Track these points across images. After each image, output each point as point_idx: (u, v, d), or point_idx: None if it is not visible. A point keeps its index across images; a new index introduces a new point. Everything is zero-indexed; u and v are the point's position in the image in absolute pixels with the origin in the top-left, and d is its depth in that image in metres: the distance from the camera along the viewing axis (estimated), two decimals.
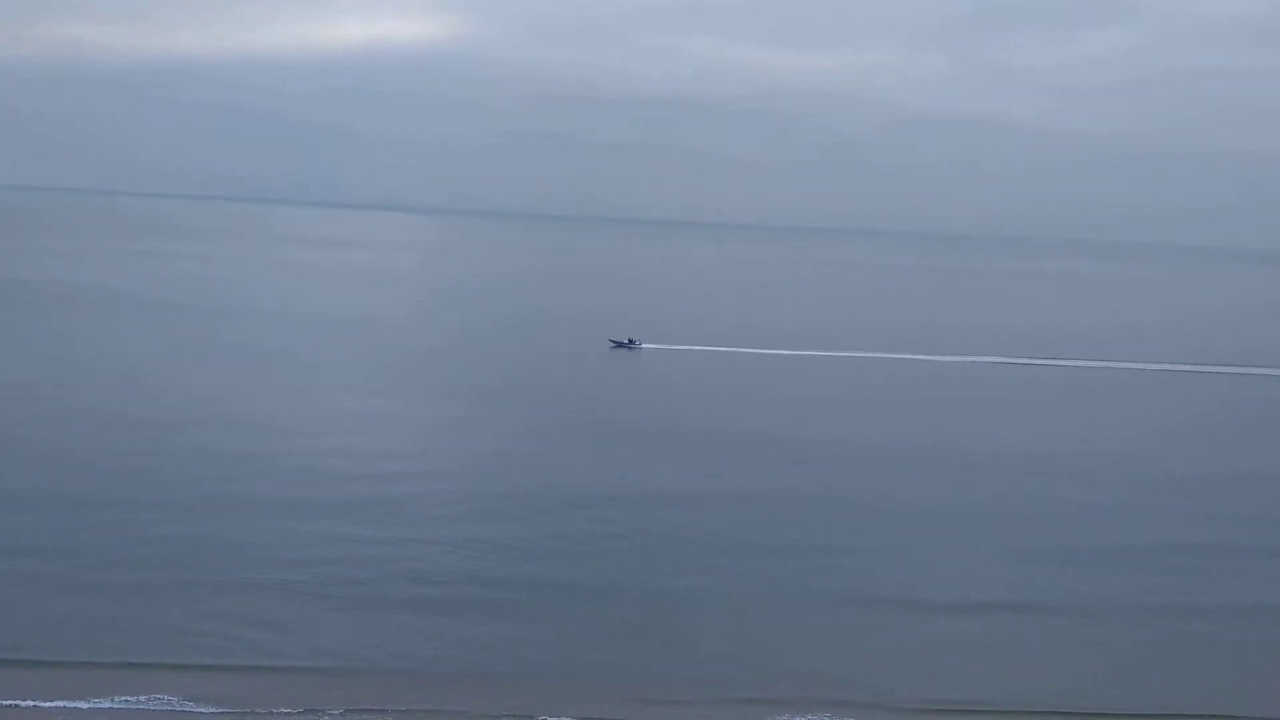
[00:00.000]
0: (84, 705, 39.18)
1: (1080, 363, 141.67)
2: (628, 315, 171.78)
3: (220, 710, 39.45)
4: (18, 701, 38.95)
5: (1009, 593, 55.06)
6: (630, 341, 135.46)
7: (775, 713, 41.33)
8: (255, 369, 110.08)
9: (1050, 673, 46.21)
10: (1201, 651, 49.28)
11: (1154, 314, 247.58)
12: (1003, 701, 43.23)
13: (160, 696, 40.17)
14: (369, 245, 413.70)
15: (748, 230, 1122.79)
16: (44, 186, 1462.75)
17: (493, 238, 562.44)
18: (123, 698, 39.91)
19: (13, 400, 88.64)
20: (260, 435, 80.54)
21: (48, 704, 39.07)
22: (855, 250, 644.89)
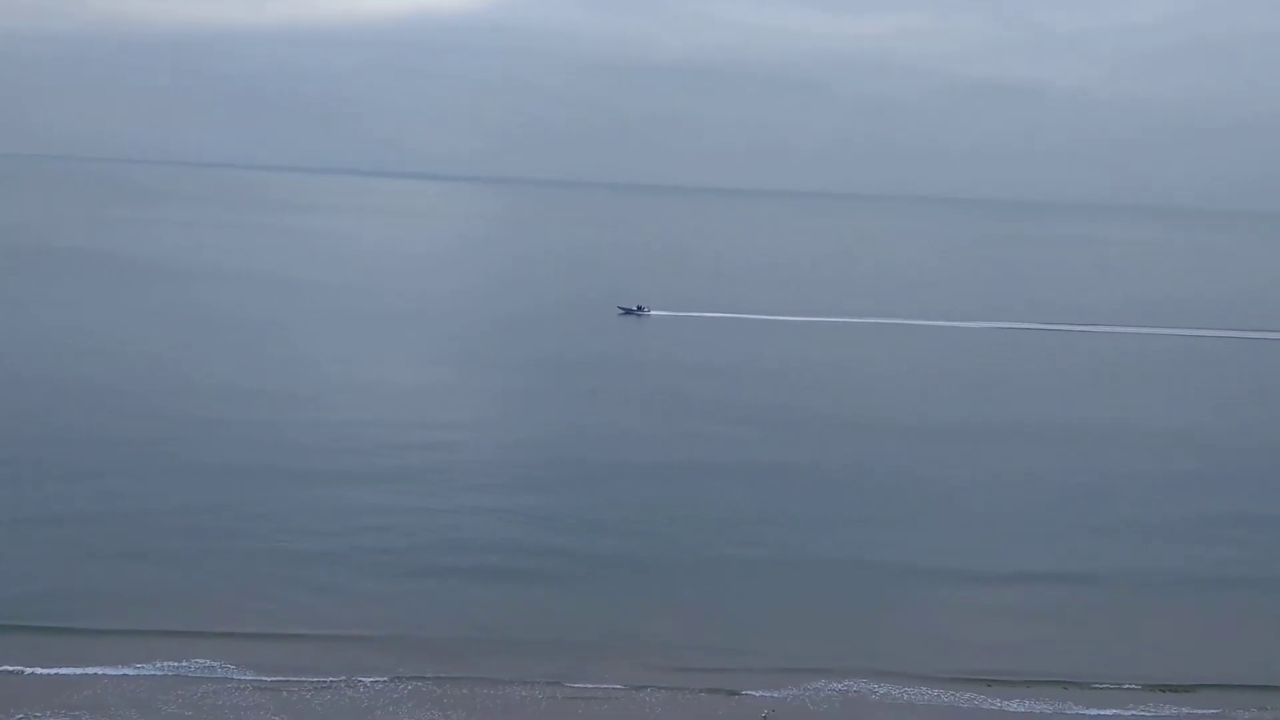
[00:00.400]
0: (129, 672, 39.65)
1: (1148, 330, 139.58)
2: (664, 280, 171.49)
3: (262, 677, 39.81)
4: (61, 669, 39.51)
5: (1061, 564, 54.37)
6: (639, 308, 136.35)
7: (812, 679, 41.14)
8: (308, 339, 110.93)
9: (1101, 645, 45.61)
10: (1266, 624, 48.46)
11: (1226, 281, 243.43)
12: (1048, 673, 42.71)
13: (202, 662, 40.63)
14: (416, 214, 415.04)
15: (789, 197, 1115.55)
16: (92, 156, 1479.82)
17: (539, 207, 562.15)
18: (166, 663, 40.39)
19: (44, 371, 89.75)
20: (301, 405, 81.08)
21: (91, 670, 39.60)
22: (898, 216, 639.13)
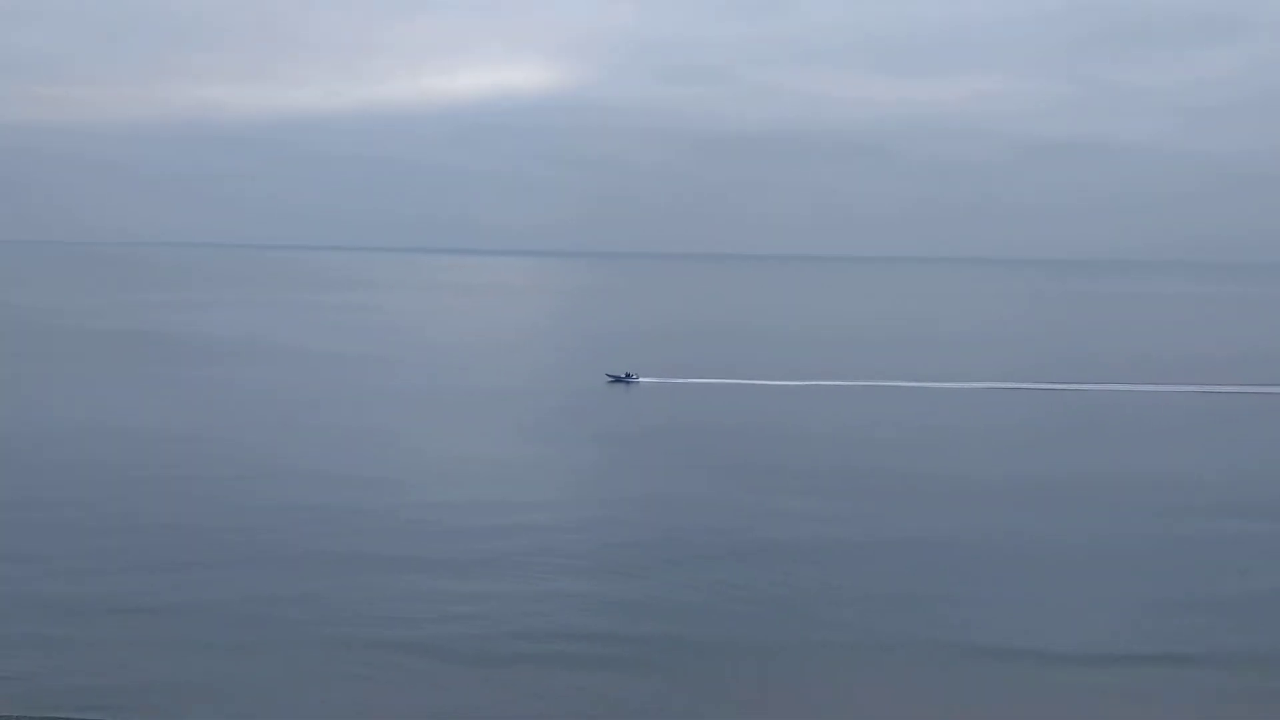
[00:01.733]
0: None
1: (1221, 388, 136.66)
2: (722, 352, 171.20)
3: None
4: None
5: (1151, 643, 52.31)
6: (627, 376, 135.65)
7: None
8: (380, 418, 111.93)
9: None
10: None
11: None
12: None
13: None
14: (496, 290, 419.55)
15: (859, 262, 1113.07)
16: (179, 241, 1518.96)
17: (614, 279, 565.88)
18: None
19: (110, 455, 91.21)
20: (374, 487, 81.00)
21: None
22: (965, 278, 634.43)
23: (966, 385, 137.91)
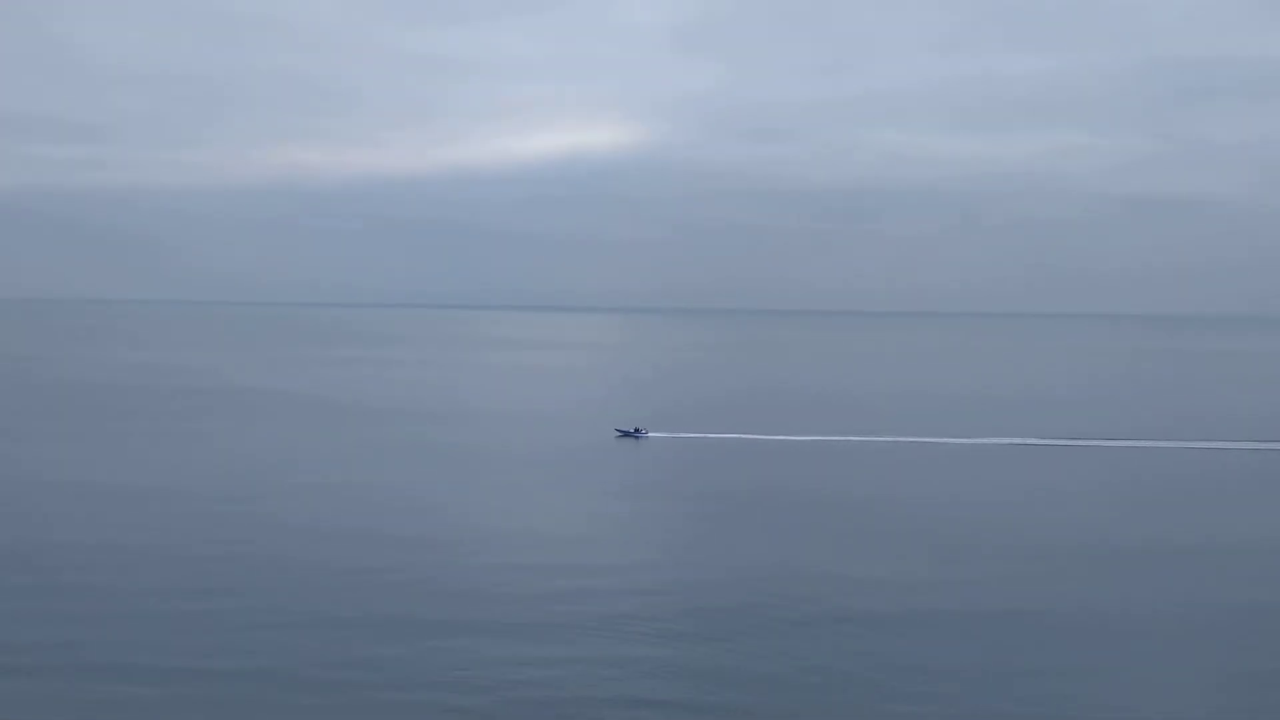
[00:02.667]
0: None
1: None
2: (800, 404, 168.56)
3: None
4: None
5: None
6: (636, 431, 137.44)
7: None
8: (452, 470, 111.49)
9: None
10: None
11: None
12: None
13: None
14: (586, 346, 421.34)
15: (942, 318, 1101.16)
16: (264, 301, 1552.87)
17: (698, 336, 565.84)
18: None
19: (213, 510, 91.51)
20: (457, 548, 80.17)
21: None
22: (1050, 334, 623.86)
23: (1076, 443, 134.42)
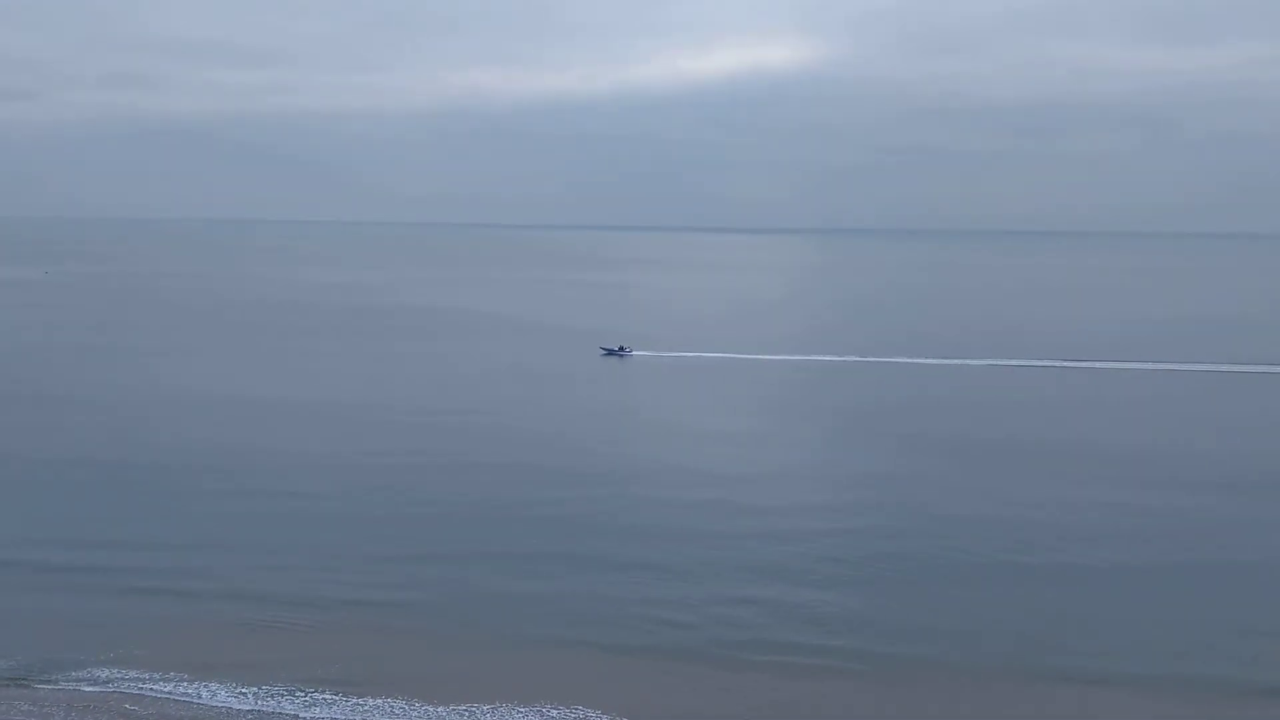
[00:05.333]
0: None
1: None
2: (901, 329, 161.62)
3: None
4: None
5: None
6: (621, 349, 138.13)
7: None
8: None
9: None
10: None
11: None
12: None
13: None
14: (756, 268, 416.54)
15: (1135, 239, 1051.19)
16: (452, 222, 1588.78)
17: (861, 256, 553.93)
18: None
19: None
20: (628, 482, 78.88)
21: None
22: (1257, 253, 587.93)
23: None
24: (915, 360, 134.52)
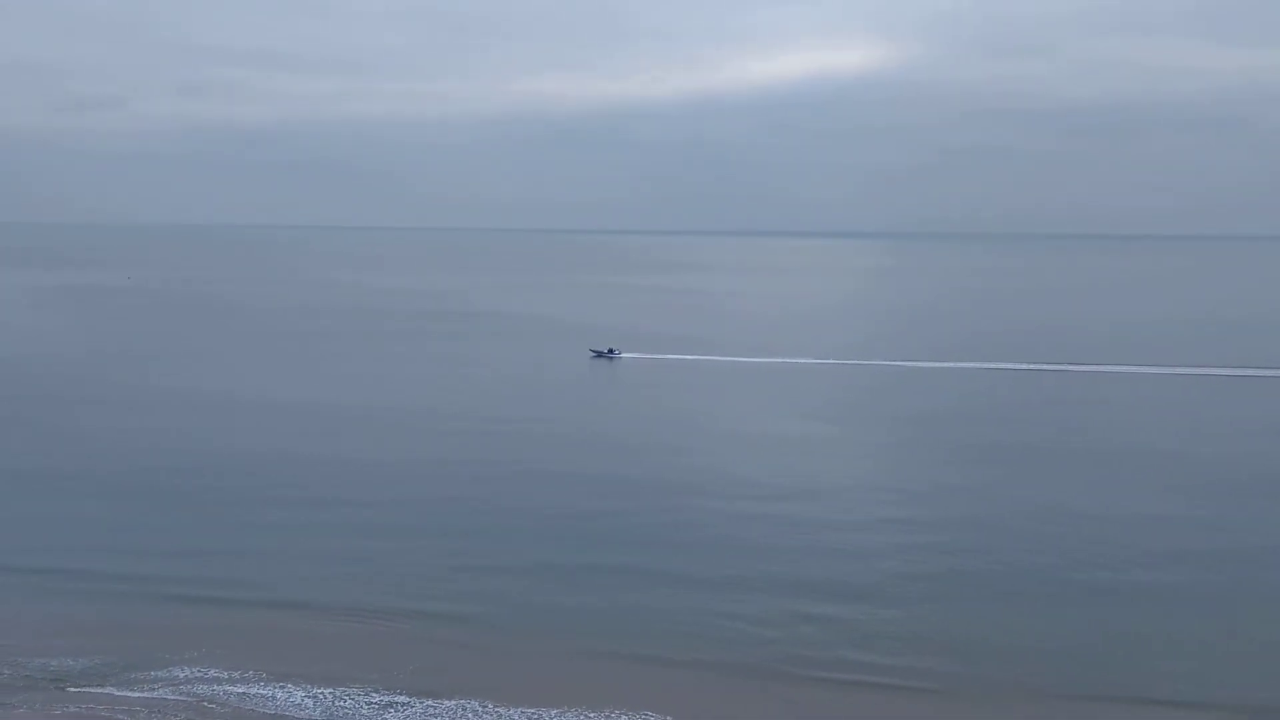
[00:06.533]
0: None
1: None
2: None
3: None
4: None
5: None
6: (610, 351, 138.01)
7: None
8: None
9: None
10: None
11: None
12: None
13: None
14: (821, 271, 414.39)
15: (1207, 241, 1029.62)
16: (518, 228, 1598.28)
17: (924, 260, 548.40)
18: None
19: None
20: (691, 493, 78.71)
21: None
22: None
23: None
24: (987, 365, 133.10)
